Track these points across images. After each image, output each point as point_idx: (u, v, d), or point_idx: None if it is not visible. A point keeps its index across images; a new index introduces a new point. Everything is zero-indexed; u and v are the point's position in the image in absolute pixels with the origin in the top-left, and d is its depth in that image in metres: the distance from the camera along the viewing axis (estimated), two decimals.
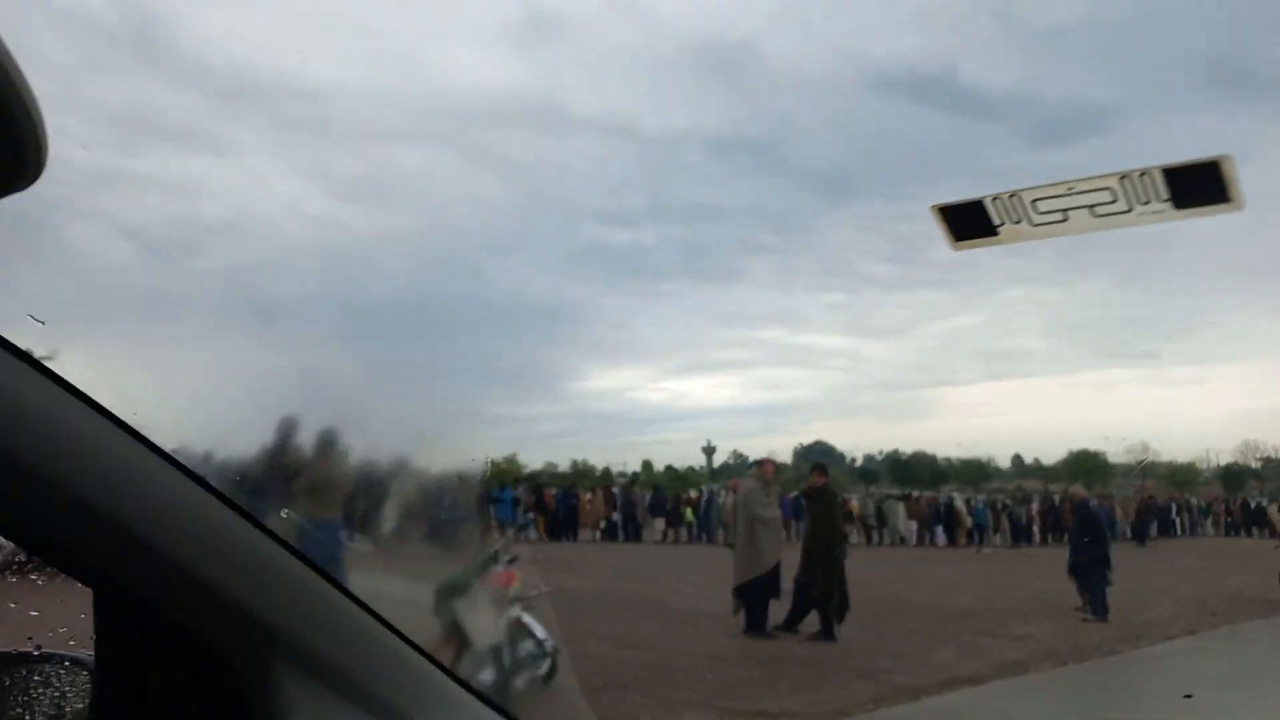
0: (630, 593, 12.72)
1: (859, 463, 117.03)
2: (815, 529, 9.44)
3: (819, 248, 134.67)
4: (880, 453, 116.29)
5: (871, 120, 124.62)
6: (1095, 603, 11.62)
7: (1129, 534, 32.44)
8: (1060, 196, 1.98)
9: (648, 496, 28.33)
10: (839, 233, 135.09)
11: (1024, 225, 2.01)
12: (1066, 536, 31.77)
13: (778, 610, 9.31)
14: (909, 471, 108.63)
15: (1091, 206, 1.96)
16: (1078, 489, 13.26)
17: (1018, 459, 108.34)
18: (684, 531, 27.65)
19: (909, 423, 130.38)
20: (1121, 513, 34.38)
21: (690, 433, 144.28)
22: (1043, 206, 2.00)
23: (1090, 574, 11.81)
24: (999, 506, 32.38)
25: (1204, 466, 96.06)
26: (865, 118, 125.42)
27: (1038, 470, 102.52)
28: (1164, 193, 1.84)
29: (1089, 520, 12.28)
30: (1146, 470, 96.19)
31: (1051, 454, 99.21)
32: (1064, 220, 1.96)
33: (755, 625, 8.95)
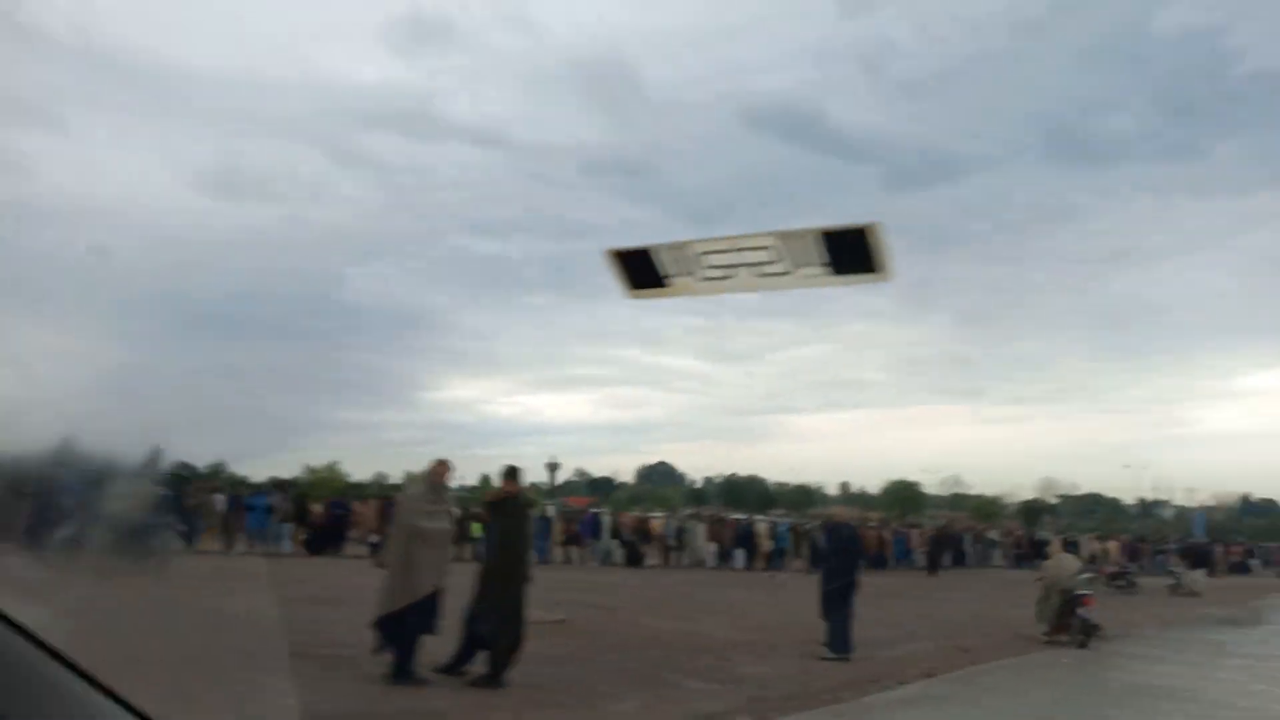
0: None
1: (698, 484, 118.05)
2: (499, 547, 7.74)
3: None
4: (720, 475, 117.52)
5: (742, 152, 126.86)
6: (835, 638, 10.47)
7: (924, 562, 32.73)
8: (725, 252, 1.92)
9: None
10: None
11: (691, 280, 1.93)
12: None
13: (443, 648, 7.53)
14: (740, 494, 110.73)
15: (754, 265, 1.91)
16: (840, 510, 12.16)
17: (845, 486, 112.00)
18: (468, 549, 25.60)
19: (752, 446, 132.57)
20: (919, 540, 34.74)
21: (540, 448, 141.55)
22: (709, 261, 1.94)
23: (834, 606, 10.65)
24: (801, 531, 31.87)
25: (1009, 500, 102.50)
26: (736, 150, 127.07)
27: (860, 498, 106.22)
28: (821, 256, 1.78)
29: (841, 546, 11.14)
30: (956, 502, 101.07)
31: (876, 483, 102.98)
32: (728, 278, 1.89)
33: (401, 669, 7.11)
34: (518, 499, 7.82)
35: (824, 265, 1.99)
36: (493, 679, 7.24)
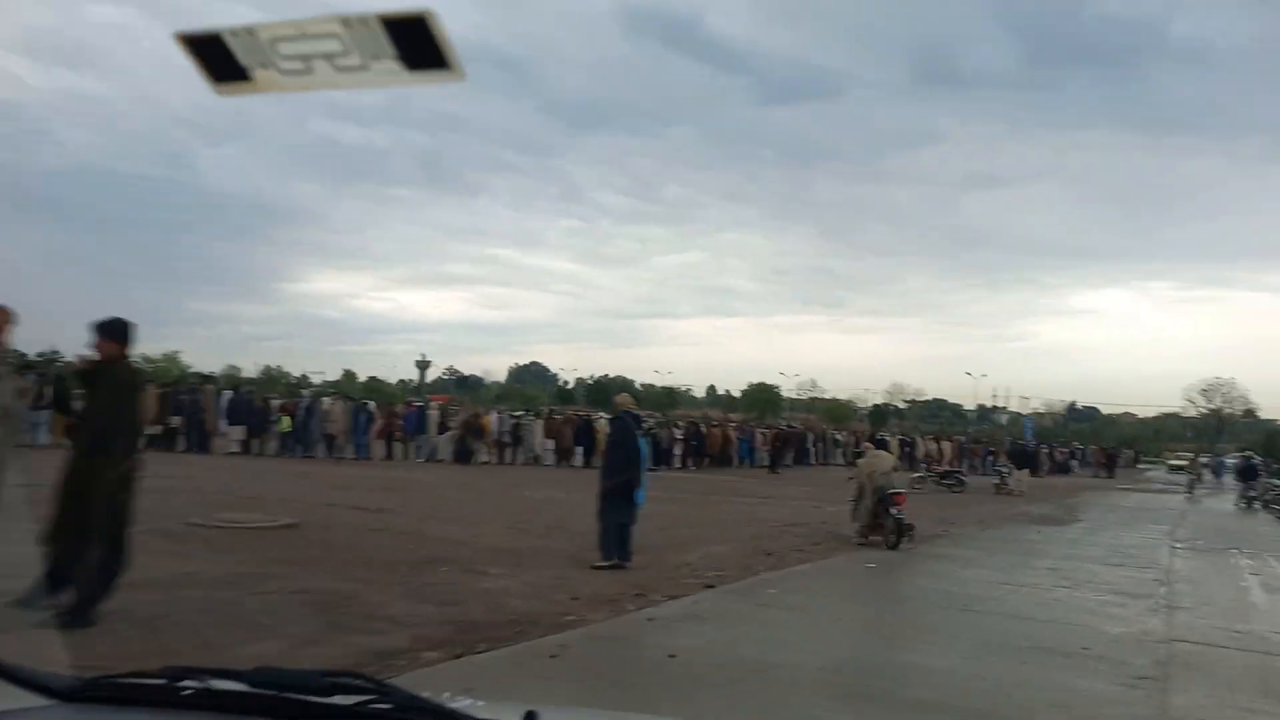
0: None
1: (569, 384, 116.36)
2: (81, 433, 5.67)
3: (560, 173, 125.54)
4: (591, 377, 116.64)
5: (621, 56, 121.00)
6: (606, 544, 8.96)
7: (766, 461, 32.44)
8: (294, 39, 1.56)
9: (227, 398, 23.34)
10: (580, 161, 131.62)
11: (274, 72, 1.59)
12: (692, 461, 32.51)
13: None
14: (606, 394, 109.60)
15: (328, 56, 1.57)
16: (623, 397, 10.54)
17: (711, 389, 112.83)
18: (274, 444, 23.23)
19: (628, 350, 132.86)
20: (763, 440, 34.37)
21: (412, 346, 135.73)
22: (284, 50, 1.57)
23: (610, 507, 9.10)
24: (647, 429, 30.82)
25: (859, 404, 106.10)
26: (614, 50, 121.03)
27: (724, 400, 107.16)
28: (390, 49, 1.55)
29: (619, 439, 9.55)
30: (812, 405, 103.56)
31: (742, 385, 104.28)
32: (308, 71, 1.58)
33: None
34: (115, 368, 5.65)
35: (397, 59, 1.59)
36: (77, 615, 5.24)
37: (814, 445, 36.65)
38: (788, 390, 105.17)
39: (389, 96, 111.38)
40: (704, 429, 32.63)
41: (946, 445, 39.24)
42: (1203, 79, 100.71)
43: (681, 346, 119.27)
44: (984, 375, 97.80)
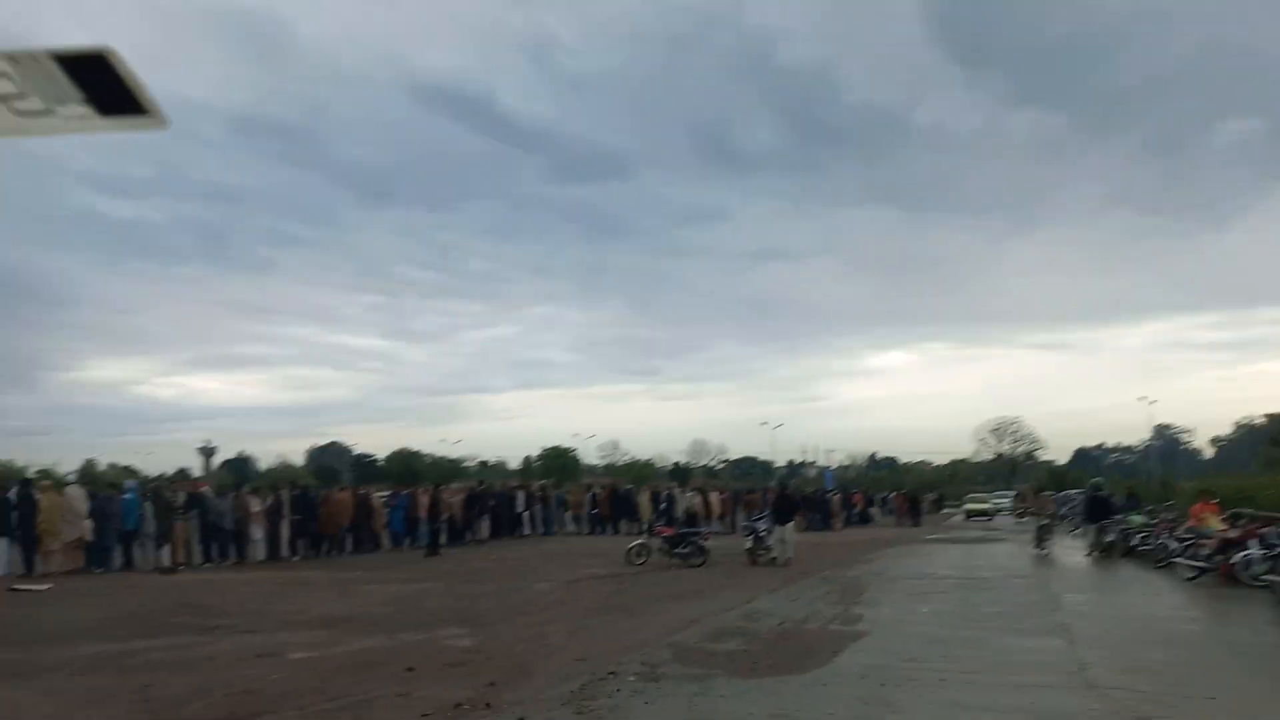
0: None
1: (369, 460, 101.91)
2: None
3: (355, 246, 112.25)
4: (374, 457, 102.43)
5: (410, 127, 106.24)
6: None
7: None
8: None
9: None
10: (377, 234, 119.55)
11: None
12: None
13: None
14: (404, 468, 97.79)
15: (4, 99, 1.45)
16: None
17: (527, 459, 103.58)
18: None
19: (446, 426, 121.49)
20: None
21: (205, 432, 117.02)
22: None
23: None
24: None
25: (660, 463, 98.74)
26: (403, 123, 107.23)
27: (499, 470, 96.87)
28: (75, 91, 1.44)
29: None
30: (610, 468, 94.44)
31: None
32: None
33: None
34: None
35: (85, 103, 1.45)
36: None
37: (531, 508, 25.98)
38: (590, 454, 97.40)
39: (159, 167, 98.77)
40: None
41: (714, 497, 29.72)
42: (943, 158, 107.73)
43: (500, 421, 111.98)
44: (780, 425, 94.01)
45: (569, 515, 27.70)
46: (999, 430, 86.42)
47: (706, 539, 17.94)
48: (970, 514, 42.57)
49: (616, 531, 26.39)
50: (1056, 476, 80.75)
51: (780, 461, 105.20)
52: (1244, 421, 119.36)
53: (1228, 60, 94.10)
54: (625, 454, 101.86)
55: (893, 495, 41.54)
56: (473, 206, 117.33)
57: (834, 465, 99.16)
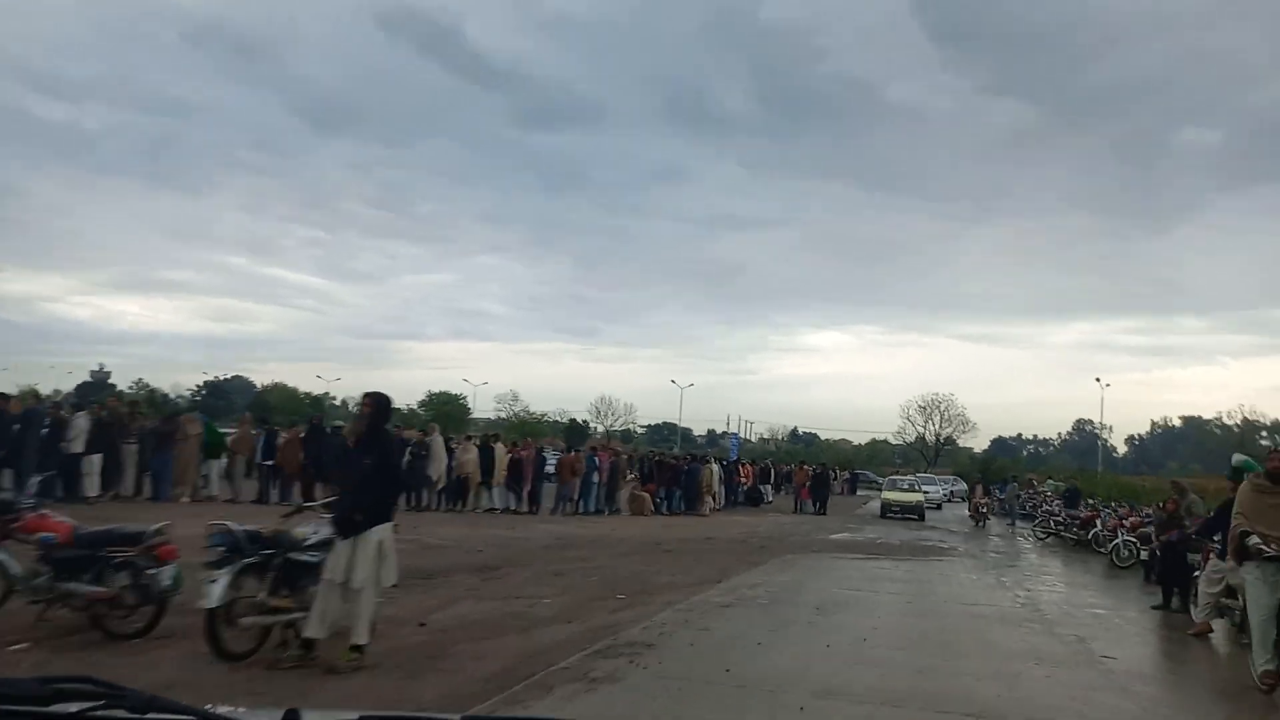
0: None
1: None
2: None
3: (302, 176, 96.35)
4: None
5: (377, 56, 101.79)
6: None
7: None
8: None
9: None
10: (326, 165, 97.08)
11: None
12: None
13: None
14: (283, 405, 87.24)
15: None
16: None
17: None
18: None
19: (376, 371, 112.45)
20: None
21: (121, 359, 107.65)
22: None
23: None
24: None
25: (556, 419, 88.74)
26: (366, 49, 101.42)
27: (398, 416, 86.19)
28: None
29: None
30: (504, 420, 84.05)
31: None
32: None
33: None
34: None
35: None
36: None
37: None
38: (485, 405, 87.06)
39: (102, 69, 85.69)
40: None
41: (524, 454, 18.84)
42: (912, 139, 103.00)
43: (429, 369, 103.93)
44: (689, 385, 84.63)
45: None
46: (928, 407, 77.65)
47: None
48: (889, 507, 26.03)
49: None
50: (980, 464, 73.53)
51: (700, 430, 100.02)
52: (1159, 422, 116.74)
53: (1198, 69, 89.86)
54: (523, 407, 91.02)
55: (793, 467, 31.11)
56: (428, 145, 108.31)
57: (755, 438, 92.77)
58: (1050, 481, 43.47)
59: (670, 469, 22.02)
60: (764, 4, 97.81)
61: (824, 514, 26.46)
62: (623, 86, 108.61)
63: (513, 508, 18.21)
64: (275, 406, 71.05)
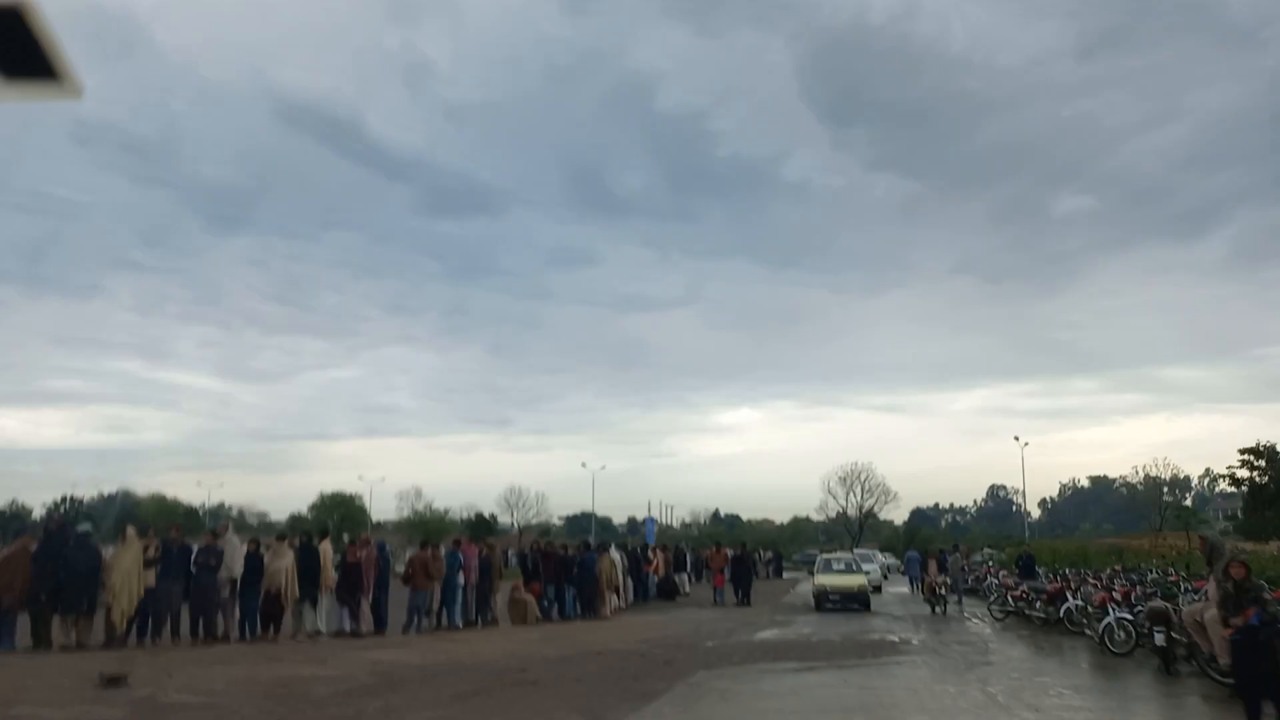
0: None
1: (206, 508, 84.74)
2: None
3: (197, 274, 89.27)
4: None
5: (272, 147, 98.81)
6: None
7: None
8: None
9: None
10: (223, 262, 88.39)
11: None
12: None
13: None
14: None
15: None
16: None
17: (263, 514, 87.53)
18: None
19: (277, 476, 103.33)
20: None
21: None
22: None
23: None
24: None
25: (459, 515, 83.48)
26: (265, 142, 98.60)
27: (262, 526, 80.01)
28: None
29: None
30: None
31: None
32: None
33: None
34: None
35: None
36: None
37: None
38: (387, 503, 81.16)
39: None
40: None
41: (361, 555, 14.62)
42: (807, 216, 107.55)
43: (338, 471, 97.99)
44: (602, 467, 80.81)
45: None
46: (848, 479, 75.18)
47: None
48: (826, 594, 20.66)
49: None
50: (905, 536, 71.22)
51: (620, 518, 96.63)
52: (1068, 484, 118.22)
53: (1066, 137, 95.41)
54: (428, 504, 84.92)
55: (709, 552, 27.23)
56: (331, 236, 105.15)
57: (677, 522, 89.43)
58: (987, 550, 40.94)
59: (558, 561, 17.98)
60: (658, 93, 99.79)
61: (748, 604, 22.70)
62: (524, 173, 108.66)
63: (347, 629, 13.91)
64: (148, 520, 64.14)
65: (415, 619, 14.87)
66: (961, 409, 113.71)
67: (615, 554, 21.32)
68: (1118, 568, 19.97)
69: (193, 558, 12.58)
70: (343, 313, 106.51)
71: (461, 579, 15.68)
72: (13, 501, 76.84)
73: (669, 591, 24.94)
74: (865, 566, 24.12)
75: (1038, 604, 16.58)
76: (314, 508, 79.41)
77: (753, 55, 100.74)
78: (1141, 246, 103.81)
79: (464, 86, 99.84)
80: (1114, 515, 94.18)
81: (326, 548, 14.29)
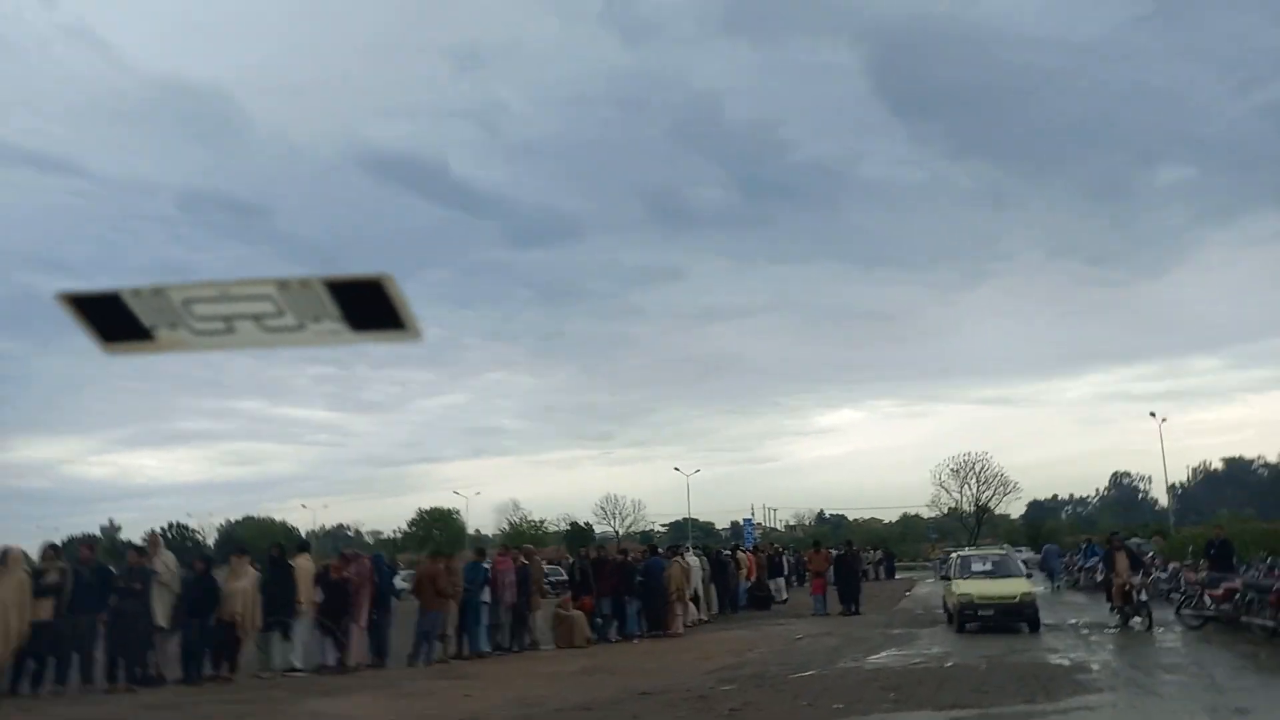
0: None
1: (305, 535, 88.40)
2: None
3: None
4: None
5: (362, 199, 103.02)
6: None
7: None
8: (218, 301, 1.50)
9: None
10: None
11: (184, 333, 1.50)
12: None
13: None
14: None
15: (257, 317, 1.50)
16: None
17: (375, 532, 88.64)
18: None
19: (396, 498, 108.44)
20: None
21: (141, 513, 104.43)
22: (200, 311, 1.51)
23: None
24: None
25: (554, 526, 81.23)
26: (356, 196, 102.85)
27: (386, 543, 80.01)
28: (333, 310, 1.47)
29: None
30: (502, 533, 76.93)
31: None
32: (229, 331, 1.50)
33: None
34: None
35: (339, 320, 1.48)
36: None
37: None
38: (485, 518, 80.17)
39: (100, 246, 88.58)
40: None
41: (350, 574, 11.45)
42: (891, 215, 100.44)
43: (450, 491, 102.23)
44: (696, 470, 76.20)
45: None
46: (961, 470, 68.93)
47: None
48: (972, 608, 14.24)
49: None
50: (1026, 531, 64.80)
51: (723, 523, 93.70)
52: (1199, 467, 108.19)
53: (1154, 107, 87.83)
54: (522, 515, 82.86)
55: (807, 554, 23.02)
56: (426, 274, 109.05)
57: (781, 525, 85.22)
58: (1134, 540, 35.40)
59: (616, 570, 14.43)
60: (725, 108, 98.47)
61: (856, 612, 18.66)
62: (602, 197, 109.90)
63: (331, 662, 10.75)
64: (244, 540, 64.22)
65: (423, 646, 11.59)
66: (1074, 397, 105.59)
67: (692, 558, 17.66)
68: None
69: (115, 582, 9.59)
70: (444, 343, 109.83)
71: (488, 595, 12.35)
72: (176, 523, 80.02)
73: (762, 600, 21.09)
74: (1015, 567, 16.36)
75: (1255, 607, 12.10)
76: (413, 523, 78.50)
77: (817, 60, 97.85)
78: (1245, 216, 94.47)
79: (536, 123, 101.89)
80: (1255, 499, 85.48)
81: (304, 563, 11.17)
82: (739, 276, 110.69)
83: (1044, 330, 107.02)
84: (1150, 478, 73.96)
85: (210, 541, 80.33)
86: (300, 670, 10.63)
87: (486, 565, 12.51)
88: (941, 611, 16.64)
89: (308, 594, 10.83)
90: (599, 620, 13.99)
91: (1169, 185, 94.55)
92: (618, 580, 14.43)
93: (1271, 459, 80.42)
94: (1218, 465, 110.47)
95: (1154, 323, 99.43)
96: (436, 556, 12.43)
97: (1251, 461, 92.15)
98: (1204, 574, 14.71)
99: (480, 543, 65.31)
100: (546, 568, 20.15)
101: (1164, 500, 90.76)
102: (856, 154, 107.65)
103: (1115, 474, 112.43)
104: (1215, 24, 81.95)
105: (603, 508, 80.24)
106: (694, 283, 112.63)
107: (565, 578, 18.83)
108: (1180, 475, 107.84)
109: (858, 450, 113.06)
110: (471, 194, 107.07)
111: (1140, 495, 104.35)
